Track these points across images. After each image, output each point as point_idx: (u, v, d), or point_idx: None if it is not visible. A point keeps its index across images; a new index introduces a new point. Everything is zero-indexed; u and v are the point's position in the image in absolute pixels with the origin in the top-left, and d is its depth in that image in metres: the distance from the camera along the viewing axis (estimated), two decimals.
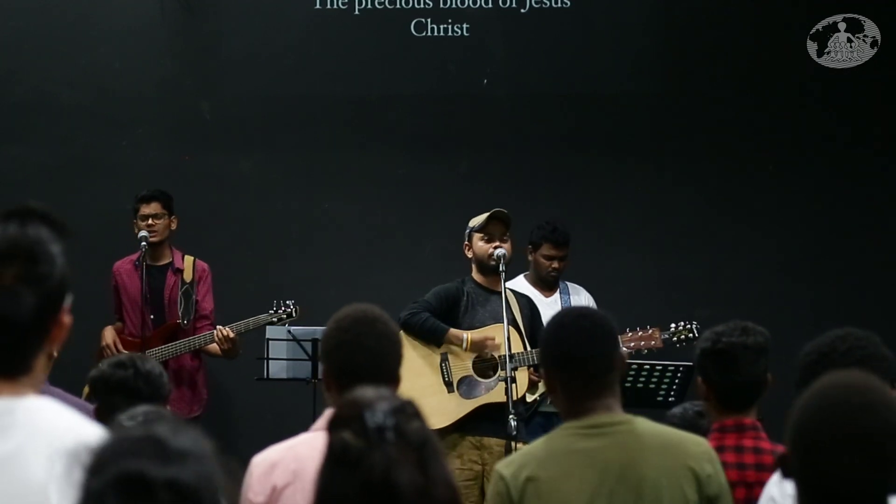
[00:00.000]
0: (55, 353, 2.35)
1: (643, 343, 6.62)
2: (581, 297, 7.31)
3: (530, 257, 7.23)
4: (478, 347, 6.37)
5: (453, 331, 6.39)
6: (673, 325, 6.67)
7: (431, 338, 6.40)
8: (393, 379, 3.39)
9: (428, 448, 2.18)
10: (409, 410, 2.22)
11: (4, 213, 2.29)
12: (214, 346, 7.09)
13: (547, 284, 7.21)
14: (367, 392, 2.24)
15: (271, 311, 7.13)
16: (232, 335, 7.02)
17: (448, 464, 2.25)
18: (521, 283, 7.17)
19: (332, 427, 2.21)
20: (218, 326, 7.07)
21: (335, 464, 2.17)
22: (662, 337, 6.64)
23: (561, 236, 7.16)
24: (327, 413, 3.34)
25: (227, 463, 1.87)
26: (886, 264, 8.14)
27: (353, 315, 3.45)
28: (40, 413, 2.26)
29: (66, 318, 2.31)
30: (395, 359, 3.41)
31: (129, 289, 7.29)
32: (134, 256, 7.34)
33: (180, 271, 7.36)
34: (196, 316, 7.33)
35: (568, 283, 7.33)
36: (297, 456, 3.35)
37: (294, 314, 7.10)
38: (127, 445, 1.83)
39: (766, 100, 8.29)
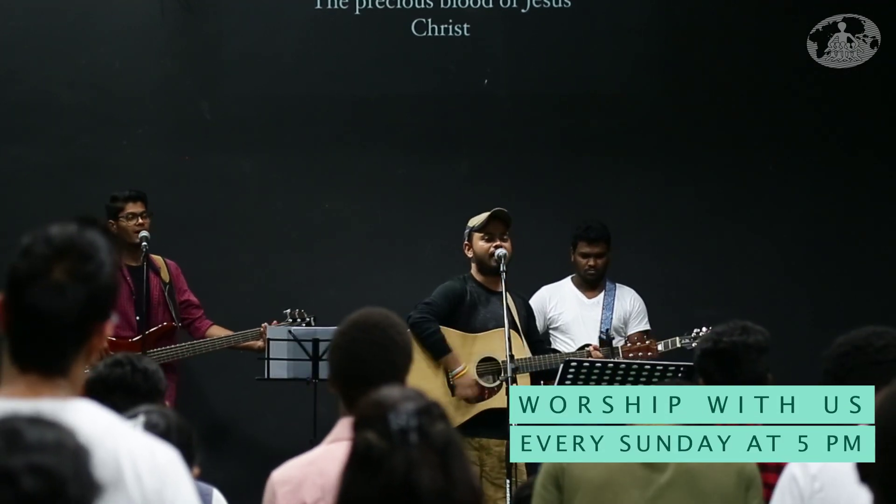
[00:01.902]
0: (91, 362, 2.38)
1: (640, 354, 6.65)
2: (626, 300, 7.31)
3: (572, 259, 7.27)
4: (459, 390, 6.41)
5: (450, 357, 6.45)
6: (695, 330, 6.65)
7: (431, 352, 6.46)
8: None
9: (451, 450, 2.18)
10: (434, 412, 2.22)
11: (68, 217, 2.33)
12: (253, 343, 7.06)
13: (589, 284, 7.24)
14: (392, 393, 2.24)
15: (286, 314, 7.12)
16: None
17: (471, 466, 2.25)
18: (565, 285, 7.22)
19: (357, 427, 2.21)
20: (264, 325, 7.04)
21: (358, 464, 2.17)
22: (683, 341, 6.64)
23: (593, 233, 7.19)
24: (343, 422, 3.33)
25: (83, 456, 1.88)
26: (886, 264, 8.14)
27: (353, 320, 3.45)
28: (79, 415, 2.27)
29: (108, 330, 2.33)
30: (390, 367, 3.36)
31: None
32: None
33: (158, 271, 7.32)
34: (190, 311, 7.33)
35: (618, 285, 7.34)
36: (322, 471, 3.31)
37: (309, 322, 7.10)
38: None
39: (766, 100, 8.29)
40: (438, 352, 6.45)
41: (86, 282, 2.27)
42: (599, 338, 6.87)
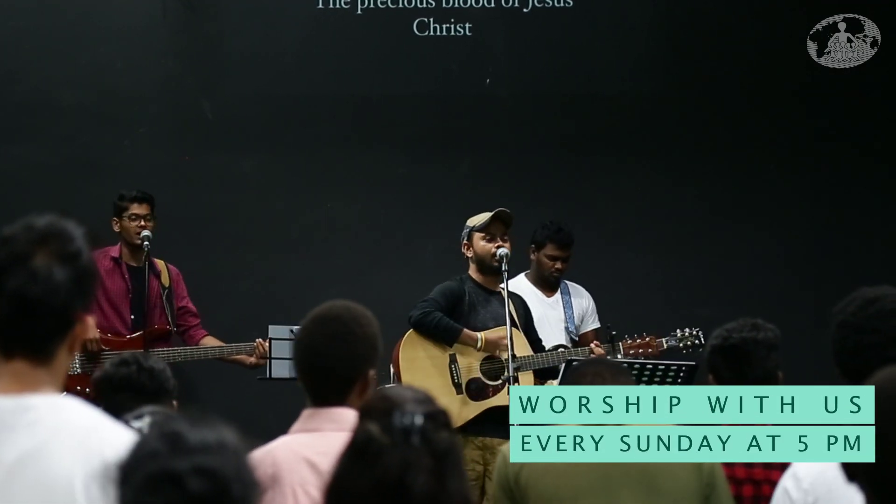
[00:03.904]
0: (76, 351, 2.40)
1: (641, 351, 6.64)
2: (582, 298, 7.31)
3: (533, 256, 7.22)
4: (491, 347, 6.37)
5: (467, 331, 6.38)
6: (678, 330, 6.65)
7: (445, 337, 6.37)
8: (347, 380, 3.37)
9: (450, 459, 2.17)
10: (440, 419, 2.21)
11: (43, 212, 2.38)
12: (245, 357, 7.01)
13: (549, 285, 7.21)
14: (403, 392, 2.24)
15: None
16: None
17: (467, 478, 2.24)
18: (522, 283, 7.16)
19: (361, 418, 2.21)
20: (258, 340, 6.97)
21: (355, 455, 2.17)
22: (669, 343, 6.64)
23: (566, 237, 7.16)
24: (305, 413, 3.36)
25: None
26: (887, 264, 8.14)
27: (314, 315, 3.47)
28: (64, 412, 2.29)
29: (91, 320, 2.36)
30: (351, 358, 3.38)
31: (107, 286, 7.13)
32: (111, 251, 7.19)
33: (159, 274, 7.27)
34: (187, 318, 7.27)
35: (569, 284, 7.33)
36: (275, 460, 3.34)
37: None
38: (147, 448, 1.88)
39: (766, 100, 8.30)
40: (452, 334, 6.34)
41: (71, 261, 2.30)
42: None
